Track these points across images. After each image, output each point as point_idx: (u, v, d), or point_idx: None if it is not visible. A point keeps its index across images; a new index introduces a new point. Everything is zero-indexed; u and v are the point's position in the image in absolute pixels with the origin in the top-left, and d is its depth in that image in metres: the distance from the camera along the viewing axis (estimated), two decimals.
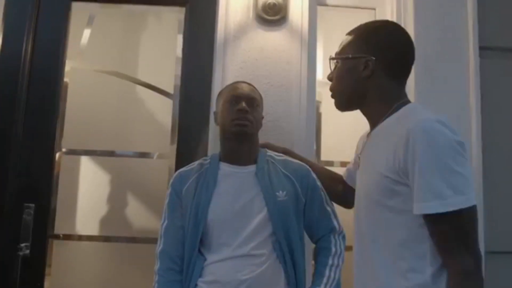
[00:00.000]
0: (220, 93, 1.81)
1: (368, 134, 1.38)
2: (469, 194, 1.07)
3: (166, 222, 1.68)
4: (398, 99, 1.27)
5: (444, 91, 2.11)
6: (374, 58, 1.25)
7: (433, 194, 1.07)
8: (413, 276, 1.14)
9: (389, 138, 1.18)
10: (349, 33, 1.37)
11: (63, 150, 2.17)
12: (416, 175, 1.09)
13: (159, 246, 1.66)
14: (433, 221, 1.09)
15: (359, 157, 1.39)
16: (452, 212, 1.06)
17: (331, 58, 1.38)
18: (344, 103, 1.38)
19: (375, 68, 1.26)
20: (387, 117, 1.26)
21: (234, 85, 1.77)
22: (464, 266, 1.07)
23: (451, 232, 1.09)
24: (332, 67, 1.37)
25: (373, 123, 1.32)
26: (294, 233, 1.63)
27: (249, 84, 1.79)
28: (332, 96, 1.40)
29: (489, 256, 1.78)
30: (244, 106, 1.66)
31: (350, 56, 1.30)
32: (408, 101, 1.29)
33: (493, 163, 2.14)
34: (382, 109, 1.27)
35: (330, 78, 1.39)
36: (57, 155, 2.15)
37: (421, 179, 1.08)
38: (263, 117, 1.79)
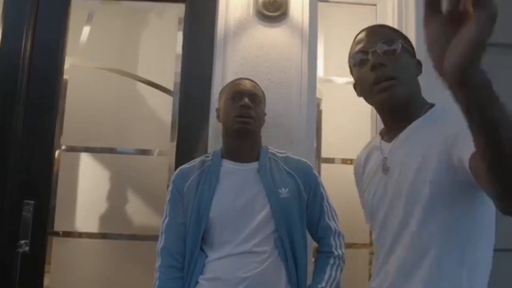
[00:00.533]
0: (222, 90, 1.80)
1: (384, 136, 1.30)
2: None
3: (167, 219, 1.68)
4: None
5: (438, 88, 2.09)
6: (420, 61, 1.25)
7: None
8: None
9: (432, 135, 1.11)
10: (392, 28, 1.31)
11: (63, 147, 2.17)
12: (461, 135, 0.97)
13: (160, 243, 1.65)
14: None
15: (383, 161, 1.25)
16: None
17: (396, 38, 1.21)
18: (407, 94, 1.20)
19: (420, 73, 1.25)
20: (421, 116, 1.19)
21: (236, 81, 1.76)
22: None
23: None
24: (386, 50, 1.19)
25: (404, 124, 1.21)
26: (296, 230, 1.63)
27: (251, 80, 1.78)
28: (389, 83, 1.17)
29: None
30: (247, 102, 1.66)
31: (410, 50, 1.24)
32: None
33: None
34: (419, 109, 1.20)
35: (383, 63, 1.18)
36: (57, 152, 2.14)
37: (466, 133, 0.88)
38: (265, 114, 1.79)
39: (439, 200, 1.09)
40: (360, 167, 1.38)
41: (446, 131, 1.07)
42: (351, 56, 1.27)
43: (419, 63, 1.26)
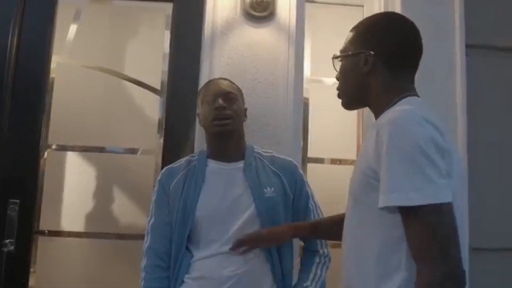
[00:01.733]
0: (199, 94, 1.80)
1: None
2: (435, 190, 0.96)
3: (153, 218, 1.67)
4: (401, 92, 1.19)
5: (431, 89, 2.12)
6: (372, 52, 1.21)
7: (393, 186, 0.99)
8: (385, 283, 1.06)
9: (372, 131, 1.13)
10: (351, 30, 1.32)
11: (49, 145, 2.16)
12: (382, 167, 1.02)
13: (146, 243, 1.65)
14: (404, 217, 1.00)
15: None
16: (417, 208, 0.96)
17: (334, 57, 1.32)
18: (350, 101, 1.31)
19: (375, 62, 1.21)
20: (386, 109, 1.18)
21: (209, 84, 1.77)
22: (430, 276, 0.94)
23: (419, 233, 0.97)
24: (337, 67, 1.32)
25: (376, 115, 1.25)
26: None
27: (224, 79, 1.79)
28: (339, 96, 1.32)
29: (475, 253, 1.80)
30: (221, 103, 1.65)
31: (350, 53, 1.26)
32: (412, 94, 1.21)
33: (479, 161, 2.15)
34: (383, 102, 1.20)
35: (337, 77, 1.33)
36: (43, 151, 2.13)
37: (384, 169, 1.01)
38: (246, 109, 1.79)
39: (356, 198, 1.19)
40: None
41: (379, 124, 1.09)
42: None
43: (368, 56, 1.23)
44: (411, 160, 0.98)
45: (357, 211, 1.18)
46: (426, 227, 0.96)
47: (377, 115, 1.23)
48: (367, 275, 1.10)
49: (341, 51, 1.31)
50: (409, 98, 1.18)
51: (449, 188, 0.98)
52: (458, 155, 1.15)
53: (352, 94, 1.29)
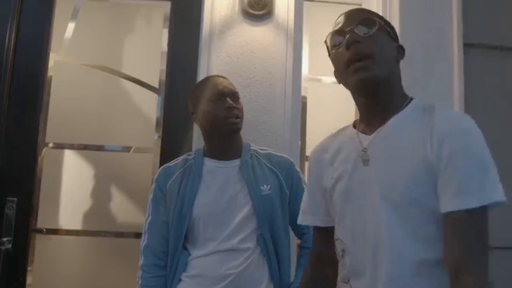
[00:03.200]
0: (198, 91, 1.76)
1: (360, 127, 1.22)
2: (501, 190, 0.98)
3: (150, 217, 1.68)
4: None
5: (429, 88, 2.12)
6: (404, 48, 1.20)
7: (483, 185, 0.98)
8: None
9: (420, 129, 1.08)
10: (370, 11, 1.24)
11: (47, 144, 2.15)
12: (452, 169, 0.99)
13: (143, 242, 1.66)
14: (460, 221, 0.97)
15: (361, 154, 1.17)
16: (483, 208, 0.96)
17: (378, 21, 1.14)
18: (385, 75, 1.12)
19: (401, 58, 1.19)
20: (404, 108, 1.13)
21: (209, 82, 1.74)
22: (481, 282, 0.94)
23: (481, 233, 0.98)
24: (363, 30, 1.12)
25: (385, 114, 1.15)
26: (279, 227, 1.64)
27: (223, 77, 1.78)
28: (366, 61, 1.10)
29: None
30: (231, 103, 1.66)
31: (391, 33, 1.17)
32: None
33: None
34: (399, 100, 1.15)
35: (358, 39, 1.11)
36: (41, 149, 2.13)
37: (462, 172, 0.99)
38: None
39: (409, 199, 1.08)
40: (328, 154, 1.27)
41: (437, 137, 1.04)
42: (329, 39, 1.19)
43: (401, 48, 1.19)
44: (487, 165, 1.00)
45: (405, 212, 1.06)
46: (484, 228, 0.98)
47: (388, 112, 1.14)
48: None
49: (378, 23, 1.14)
50: (418, 99, 1.18)
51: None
52: None
53: (389, 69, 1.15)
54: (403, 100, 1.16)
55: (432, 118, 1.07)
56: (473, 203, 0.96)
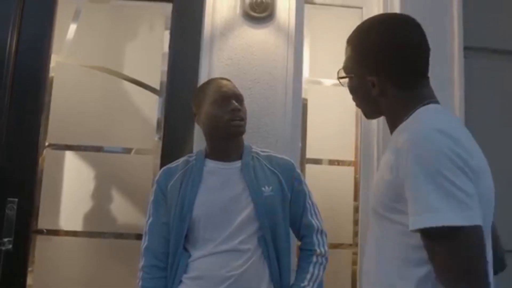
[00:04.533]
0: (200, 94, 1.77)
1: None
2: (472, 211, 0.92)
3: (151, 219, 1.68)
4: (417, 101, 1.12)
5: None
6: (377, 77, 1.14)
7: (424, 206, 0.93)
8: None
9: (391, 147, 1.08)
10: (348, 42, 1.25)
11: (48, 145, 2.16)
12: (408, 187, 0.97)
13: (144, 243, 1.66)
14: (428, 240, 0.95)
15: None
16: (448, 229, 0.91)
17: (339, 78, 1.25)
18: (369, 113, 1.25)
19: (384, 83, 1.14)
20: (404, 120, 1.12)
21: (217, 83, 1.74)
22: None
23: (448, 257, 0.92)
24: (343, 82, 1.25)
25: (391, 129, 1.19)
26: (280, 229, 1.64)
27: (226, 79, 1.79)
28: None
29: None
30: (237, 105, 1.67)
31: (353, 76, 1.20)
32: (428, 102, 1.13)
33: None
34: (400, 114, 1.13)
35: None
36: (42, 150, 2.13)
37: (412, 191, 0.96)
38: None
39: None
40: None
41: (395, 156, 1.04)
42: None
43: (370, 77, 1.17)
44: (440, 178, 0.93)
45: (380, 226, 1.11)
46: (461, 250, 0.92)
47: (393, 127, 1.16)
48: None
49: (344, 69, 1.24)
50: (426, 107, 1.11)
51: (478, 208, 0.94)
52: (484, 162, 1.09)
53: (369, 108, 1.23)
54: (404, 115, 1.13)
55: (404, 134, 1.05)
56: (417, 224, 0.94)
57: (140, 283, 1.60)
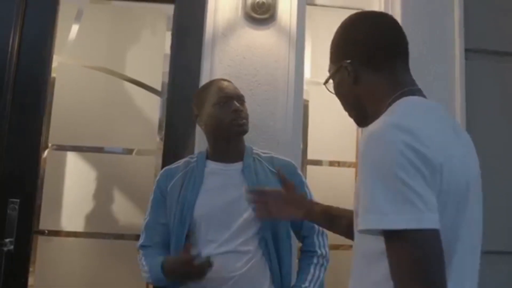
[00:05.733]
0: (202, 95, 1.77)
1: None
2: (422, 213, 0.84)
3: (148, 218, 1.70)
4: (393, 92, 1.07)
5: (430, 92, 2.11)
6: (348, 60, 1.11)
7: (370, 207, 0.88)
8: None
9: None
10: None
11: (50, 145, 2.16)
12: (360, 185, 0.93)
13: (140, 241, 1.69)
14: (385, 240, 0.88)
15: None
16: (392, 232, 0.85)
17: (325, 83, 1.25)
18: (358, 118, 1.19)
19: (356, 68, 1.11)
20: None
21: (218, 84, 1.74)
22: None
23: (396, 261, 0.86)
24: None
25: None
26: (281, 230, 1.64)
27: (227, 80, 1.79)
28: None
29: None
30: (238, 106, 1.67)
31: (331, 72, 1.19)
32: (405, 92, 1.07)
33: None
34: (377, 109, 1.08)
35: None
36: (43, 150, 2.13)
37: (361, 189, 0.91)
38: None
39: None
40: None
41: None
42: None
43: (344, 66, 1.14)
44: (391, 177, 0.87)
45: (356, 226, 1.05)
46: (407, 252, 0.85)
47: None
48: None
49: (328, 72, 1.23)
50: (405, 100, 1.05)
51: (434, 209, 0.87)
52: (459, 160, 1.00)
53: (354, 110, 1.18)
54: (382, 106, 1.08)
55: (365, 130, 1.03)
56: (364, 225, 0.90)
57: (143, 264, 1.63)
